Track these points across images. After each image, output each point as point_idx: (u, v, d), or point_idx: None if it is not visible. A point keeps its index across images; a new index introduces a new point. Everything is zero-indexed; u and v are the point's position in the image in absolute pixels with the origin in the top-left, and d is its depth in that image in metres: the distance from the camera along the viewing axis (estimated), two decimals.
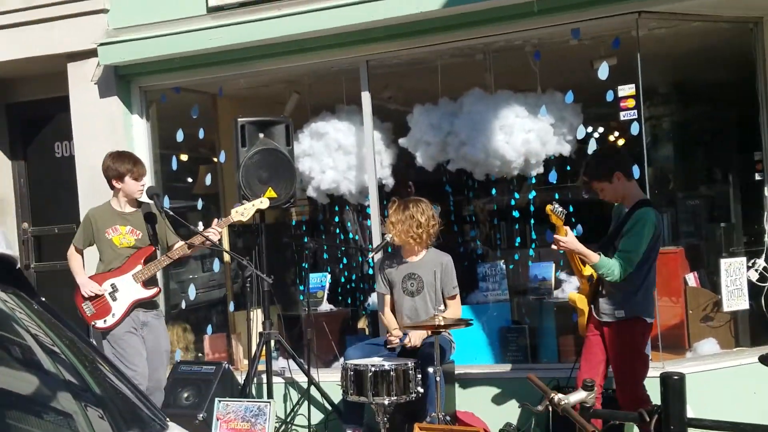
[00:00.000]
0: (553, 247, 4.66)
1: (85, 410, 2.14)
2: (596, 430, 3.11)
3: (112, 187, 5.43)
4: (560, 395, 3.13)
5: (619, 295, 4.58)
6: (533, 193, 6.33)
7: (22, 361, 2.22)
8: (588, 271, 4.69)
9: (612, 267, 4.48)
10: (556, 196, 6.68)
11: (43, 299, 2.36)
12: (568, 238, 4.52)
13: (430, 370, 5.07)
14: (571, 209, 4.68)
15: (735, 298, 5.70)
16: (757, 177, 5.81)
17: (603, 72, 5.47)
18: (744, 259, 5.79)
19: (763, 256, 5.77)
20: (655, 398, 2.82)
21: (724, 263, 5.73)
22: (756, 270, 5.75)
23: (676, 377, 2.73)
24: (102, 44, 6.27)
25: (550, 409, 3.26)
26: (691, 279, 6.01)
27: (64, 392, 2.19)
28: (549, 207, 4.51)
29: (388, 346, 5.51)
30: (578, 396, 3.16)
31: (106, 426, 2.18)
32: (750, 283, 5.74)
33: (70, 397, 2.17)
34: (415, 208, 5.44)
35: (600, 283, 4.67)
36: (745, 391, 5.28)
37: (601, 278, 4.59)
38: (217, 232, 5.44)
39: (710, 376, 5.27)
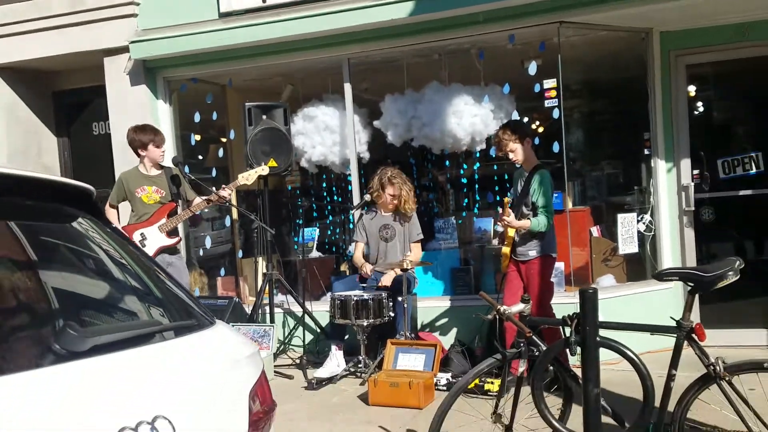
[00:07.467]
0: (499, 223, 4.85)
1: (149, 309, 2.14)
2: (531, 333, 3.26)
3: (138, 155, 5.35)
4: (505, 306, 3.27)
5: (531, 240, 4.76)
6: (477, 165, 6.41)
7: (96, 272, 2.18)
8: (512, 233, 4.81)
9: (542, 223, 4.65)
10: (495, 167, 6.84)
11: (114, 225, 2.36)
12: (511, 219, 4.69)
13: (400, 299, 5.19)
14: (506, 176, 4.69)
15: (627, 244, 5.87)
16: (646, 152, 5.94)
17: (532, 69, 5.53)
18: (635, 214, 5.93)
19: (649, 212, 5.92)
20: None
21: (620, 217, 5.89)
22: (643, 223, 5.90)
23: (590, 291, 2.86)
24: (133, 42, 6.18)
25: (496, 319, 3.40)
26: (595, 231, 6.13)
27: (131, 296, 2.15)
28: (507, 199, 4.69)
29: (362, 275, 5.61)
30: (518, 307, 3.29)
31: (166, 321, 2.18)
32: (639, 233, 5.89)
33: (135, 299, 2.14)
34: (402, 188, 5.54)
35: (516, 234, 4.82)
36: (634, 312, 5.43)
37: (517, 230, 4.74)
38: (227, 192, 5.38)
39: (609, 302, 5.41)
